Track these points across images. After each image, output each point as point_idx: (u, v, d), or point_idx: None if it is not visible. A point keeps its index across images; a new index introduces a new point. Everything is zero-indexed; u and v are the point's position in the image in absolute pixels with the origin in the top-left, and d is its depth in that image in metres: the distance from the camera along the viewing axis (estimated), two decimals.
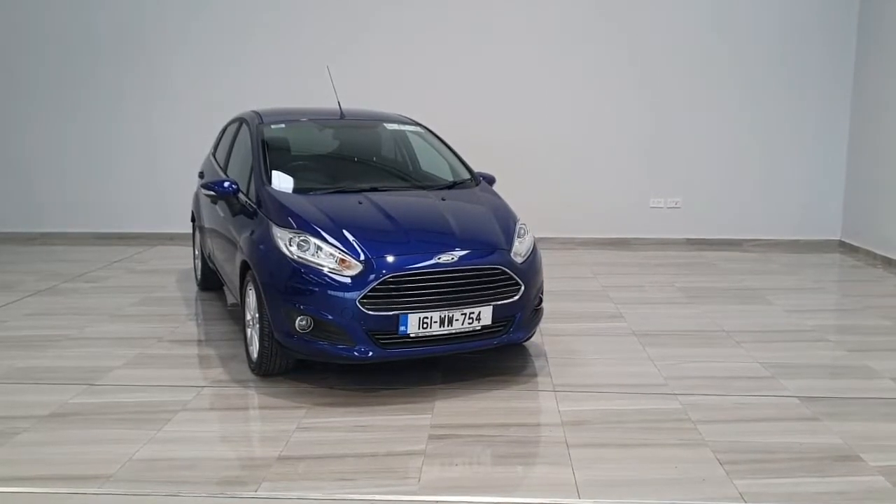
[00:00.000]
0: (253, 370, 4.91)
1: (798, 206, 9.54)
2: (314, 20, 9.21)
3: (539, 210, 9.32)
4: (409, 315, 4.41)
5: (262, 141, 5.58)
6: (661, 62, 9.29)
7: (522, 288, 4.72)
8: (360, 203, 5.02)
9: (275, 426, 4.16)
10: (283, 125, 5.87)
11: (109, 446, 3.89)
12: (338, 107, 6.20)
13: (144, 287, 7.26)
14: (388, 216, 4.86)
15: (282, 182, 5.25)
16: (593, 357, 5.33)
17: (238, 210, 5.33)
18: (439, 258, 4.53)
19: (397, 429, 4.13)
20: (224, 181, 5.42)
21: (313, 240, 4.58)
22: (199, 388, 4.69)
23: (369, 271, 4.42)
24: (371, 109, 6.67)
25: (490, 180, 5.99)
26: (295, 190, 5.21)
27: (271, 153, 5.51)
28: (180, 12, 9.25)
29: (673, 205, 9.56)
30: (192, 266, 7.48)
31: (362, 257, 4.48)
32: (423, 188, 5.52)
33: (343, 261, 4.48)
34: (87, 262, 8.32)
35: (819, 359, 5.35)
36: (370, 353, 4.42)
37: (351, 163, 5.98)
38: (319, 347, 4.49)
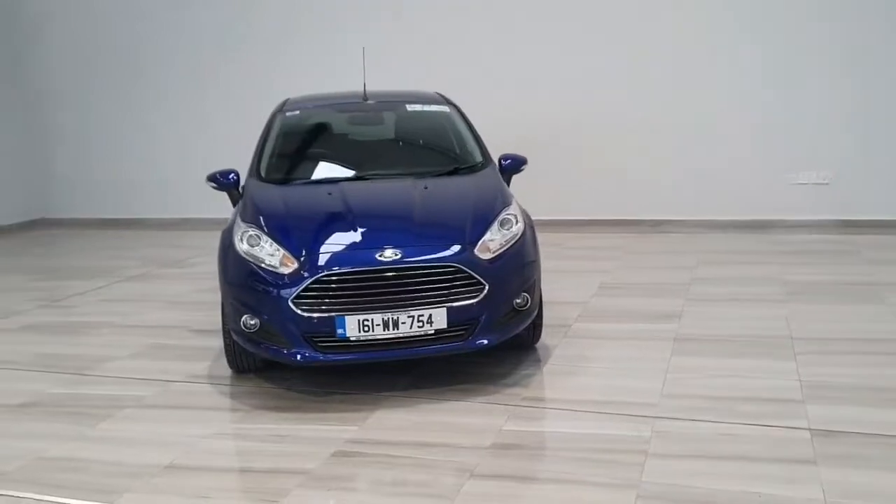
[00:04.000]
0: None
1: None
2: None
3: (652, 189, 8.50)
4: (347, 317, 4.06)
5: (269, 129, 5.45)
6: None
7: (487, 288, 4.17)
8: (329, 194, 4.71)
9: (197, 430, 4.00)
10: (297, 112, 5.67)
11: (33, 442, 3.94)
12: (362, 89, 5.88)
13: None
14: (348, 209, 4.51)
15: (270, 172, 5.09)
16: (599, 366, 4.63)
17: (236, 201, 5.24)
18: (381, 255, 4.12)
19: (310, 441, 3.81)
20: (229, 172, 5.33)
21: (264, 235, 4.37)
22: (167, 384, 4.67)
23: (304, 269, 4.12)
24: (403, 90, 6.23)
25: (518, 162, 5.38)
26: (277, 181, 5.01)
27: (276, 142, 5.35)
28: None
29: (821, 181, 8.18)
30: None
31: (299, 254, 4.19)
32: (415, 175, 5.03)
33: (286, 258, 4.22)
34: (195, 248, 8.68)
35: (887, 380, 4.24)
36: (311, 358, 4.13)
37: (351, 149, 5.62)
38: (266, 349, 4.28)
